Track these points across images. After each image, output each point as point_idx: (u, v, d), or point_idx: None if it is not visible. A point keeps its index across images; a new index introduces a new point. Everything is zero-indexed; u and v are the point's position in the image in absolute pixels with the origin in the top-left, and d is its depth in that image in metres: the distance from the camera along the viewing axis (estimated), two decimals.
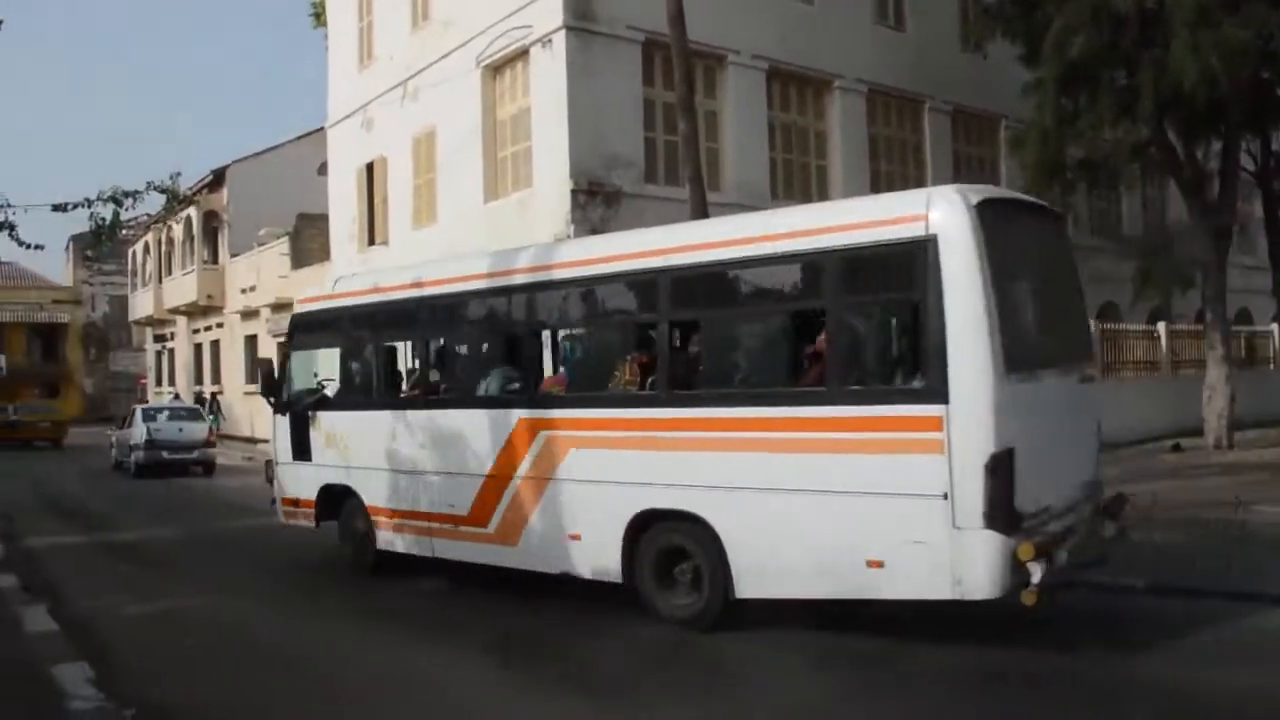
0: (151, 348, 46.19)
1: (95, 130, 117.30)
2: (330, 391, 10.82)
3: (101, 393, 48.00)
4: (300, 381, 11.16)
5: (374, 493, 9.94)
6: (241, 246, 34.49)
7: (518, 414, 8.61)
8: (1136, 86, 17.01)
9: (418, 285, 9.90)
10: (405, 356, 10.92)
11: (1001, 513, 6.24)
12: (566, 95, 16.84)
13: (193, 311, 38.08)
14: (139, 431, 22.64)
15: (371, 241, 23.69)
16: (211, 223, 36.83)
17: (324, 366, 11.33)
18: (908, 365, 6.86)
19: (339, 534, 10.63)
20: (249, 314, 33.05)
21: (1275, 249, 21.41)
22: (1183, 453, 18.42)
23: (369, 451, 9.97)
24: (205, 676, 6.86)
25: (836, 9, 20.63)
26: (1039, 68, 18.21)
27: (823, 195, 20.49)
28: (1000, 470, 6.23)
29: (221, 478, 22.00)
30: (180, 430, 22.93)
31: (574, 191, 16.71)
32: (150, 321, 44.22)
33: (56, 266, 57.72)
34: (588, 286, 8.57)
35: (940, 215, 6.54)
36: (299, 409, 10.81)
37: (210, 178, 35.91)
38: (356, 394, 10.53)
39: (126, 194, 11.31)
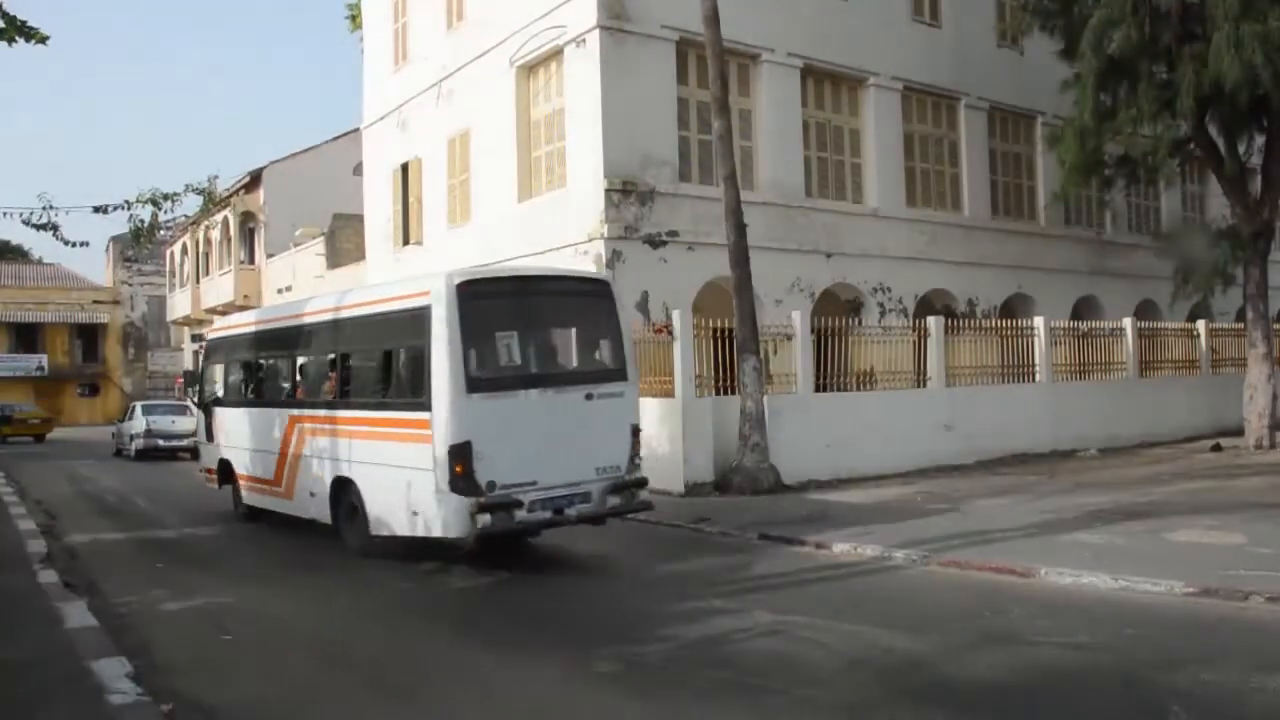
0: (189, 347, 46.74)
1: (141, 132, 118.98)
2: (220, 393, 15.08)
3: (140, 391, 48.60)
4: (209, 385, 15.49)
5: (239, 464, 13.99)
6: (278, 247, 34.82)
7: (289, 412, 12.49)
8: (1177, 81, 16.80)
9: (253, 323, 14.48)
10: (253, 370, 14.36)
11: (460, 482, 9.33)
12: (600, 95, 16.87)
13: (230, 311, 38.44)
14: (139, 424, 27.12)
15: (406, 241, 23.85)
16: (248, 223, 37.24)
17: (220, 375, 15.45)
18: (418, 386, 9.93)
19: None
20: None
21: None
22: (1222, 452, 18.19)
23: (235, 436, 14.12)
24: (243, 670, 6.93)
25: (871, 6, 20.51)
26: (1077, 63, 18.04)
27: (857, 194, 20.44)
28: (456, 455, 9.33)
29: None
30: (173, 422, 27.01)
31: (608, 191, 16.72)
32: (188, 321, 44.75)
33: (97, 267, 58.74)
34: (309, 329, 12.47)
35: (433, 292, 9.69)
36: (206, 405, 15.31)
37: (247, 179, 36.27)
38: (229, 396, 14.80)
39: (165, 196, 11.72)
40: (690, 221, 17.52)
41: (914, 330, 18.11)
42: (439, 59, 22.22)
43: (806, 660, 6.68)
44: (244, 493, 13.89)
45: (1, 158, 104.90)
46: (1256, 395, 18.50)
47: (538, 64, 18.96)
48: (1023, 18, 19.87)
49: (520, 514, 9.59)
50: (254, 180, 36.25)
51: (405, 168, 23.88)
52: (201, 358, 16.54)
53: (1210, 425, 21.26)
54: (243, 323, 15.08)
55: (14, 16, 8.82)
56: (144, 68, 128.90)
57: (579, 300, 11.19)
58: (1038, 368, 19.27)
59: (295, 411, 12.31)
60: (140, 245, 15.29)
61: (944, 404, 17.66)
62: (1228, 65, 15.29)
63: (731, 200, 14.88)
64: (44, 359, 51.46)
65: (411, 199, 23.64)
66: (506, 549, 10.71)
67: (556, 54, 18.20)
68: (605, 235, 16.67)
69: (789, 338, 16.31)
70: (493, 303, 10.16)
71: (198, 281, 41.50)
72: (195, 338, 45.05)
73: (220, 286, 38.24)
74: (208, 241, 40.13)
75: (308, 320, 12.53)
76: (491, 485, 9.40)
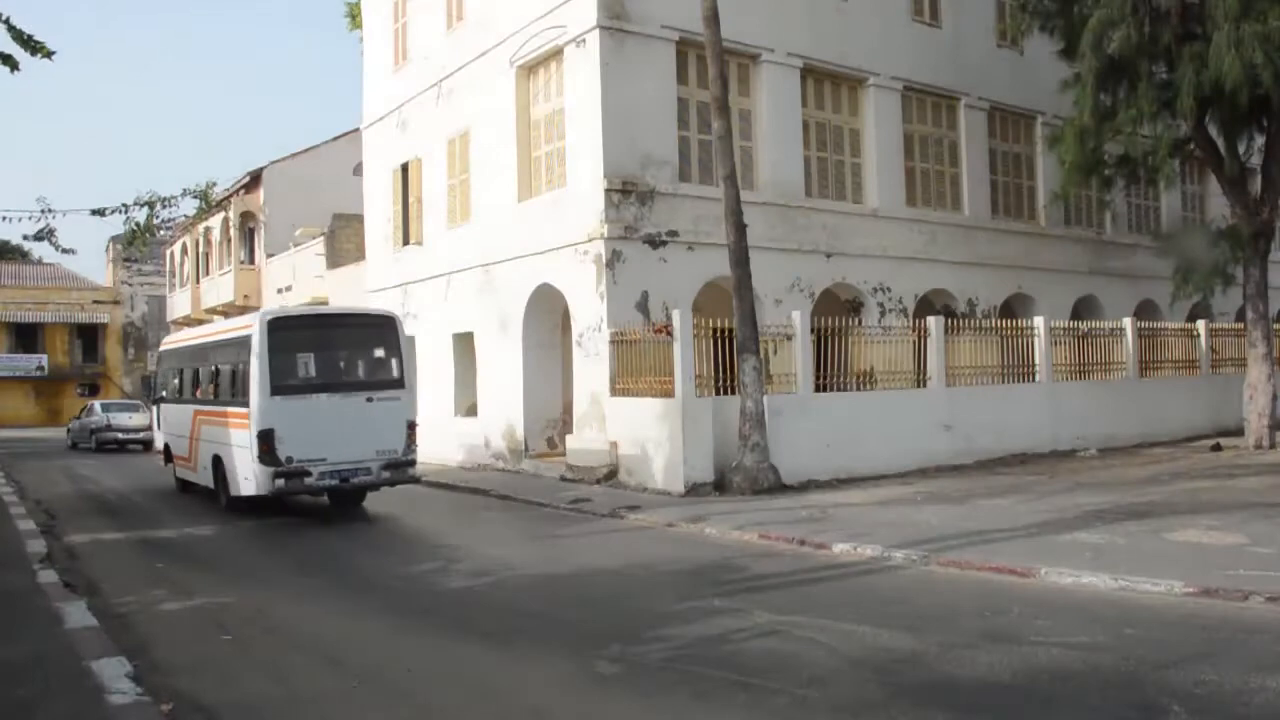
0: None
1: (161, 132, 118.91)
2: (165, 393, 19.08)
3: (139, 391, 48.62)
4: (160, 388, 19.52)
5: (173, 447, 17.93)
6: (278, 247, 34.83)
7: (193, 407, 16.54)
8: (1176, 81, 16.80)
9: (182, 340, 19.02)
10: (179, 376, 18.22)
11: (266, 457, 13.35)
12: (600, 94, 16.87)
13: (230, 311, 38.31)
14: (99, 419, 31.47)
15: (406, 241, 23.85)
16: (248, 223, 37.22)
17: (164, 380, 19.25)
18: (244, 390, 13.97)
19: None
20: None
21: None
22: (1222, 451, 18.20)
23: (170, 425, 18.18)
24: (243, 670, 6.93)
25: (871, 6, 20.52)
26: (1077, 63, 18.06)
27: (857, 194, 20.44)
28: (262, 438, 13.36)
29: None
30: (129, 418, 31.27)
31: (608, 191, 16.72)
32: (188, 321, 44.63)
33: (97, 267, 58.69)
34: (203, 347, 16.82)
35: (255, 325, 13.87)
36: (156, 402, 19.68)
37: (246, 179, 36.28)
38: (168, 395, 18.65)
39: (161, 199, 11.82)
40: (690, 221, 17.52)
41: (914, 330, 18.12)
42: (439, 59, 22.22)
43: (806, 660, 6.67)
44: (175, 468, 17.94)
45: (2, 158, 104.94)
46: (1256, 395, 18.51)
47: (538, 64, 18.96)
48: (1022, 18, 19.86)
49: (309, 480, 13.63)
50: (254, 180, 36.26)
51: (405, 168, 23.89)
52: (157, 365, 21.86)
53: (1210, 425, 21.28)
54: (179, 339, 19.62)
55: (21, 30, 8.83)
56: (144, 68, 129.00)
57: (366, 331, 15.03)
58: (1038, 368, 19.28)
59: (196, 407, 16.48)
60: (137, 246, 15.56)
61: (944, 404, 17.66)
62: (1228, 65, 15.29)
63: (731, 200, 14.88)
64: (44, 359, 51.48)
65: (411, 199, 23.64)
66: (350, 514, 14.78)
67: (556, 54, 18.20)
68: (605, 235, 16.68)
69: (789, 338, 16.31)
70: (294, 333, 14.24)
71: (198, 281, 41.48)
72: None
73: (220, 286, 38.23)
74: (208, 242, 40.11)
75: (203, 340, 17.19)
76: (289, 459, 13.42)
